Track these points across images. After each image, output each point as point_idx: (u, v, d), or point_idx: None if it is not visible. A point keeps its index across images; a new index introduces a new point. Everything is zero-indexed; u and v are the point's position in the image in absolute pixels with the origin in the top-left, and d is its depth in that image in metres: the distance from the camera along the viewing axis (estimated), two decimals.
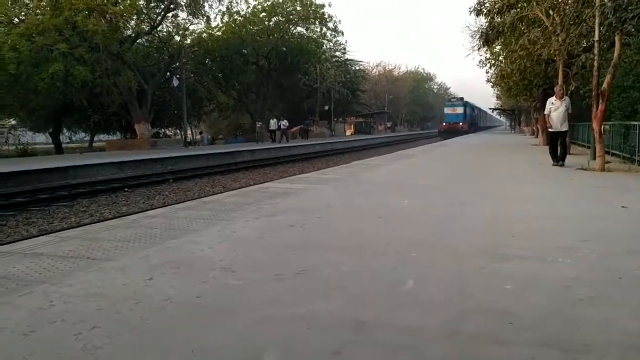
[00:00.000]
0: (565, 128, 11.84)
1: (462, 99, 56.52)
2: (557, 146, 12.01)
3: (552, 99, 11.93)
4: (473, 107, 62.84)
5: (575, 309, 2.70)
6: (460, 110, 54.67)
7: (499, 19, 17.88)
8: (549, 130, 12.20)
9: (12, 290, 3.10)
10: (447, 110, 56.13)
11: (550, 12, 15.35)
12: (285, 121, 37.04)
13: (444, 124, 55.51)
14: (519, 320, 2.55)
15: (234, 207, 6.25)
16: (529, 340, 2.32)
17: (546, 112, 12.11)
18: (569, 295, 2.92)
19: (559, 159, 11.92)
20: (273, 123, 36.86)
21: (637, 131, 12.01)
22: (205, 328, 2.51)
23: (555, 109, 11.70)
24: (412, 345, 2.30)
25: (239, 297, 2.94)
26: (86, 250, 4.07)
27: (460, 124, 52.95)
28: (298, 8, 42.72)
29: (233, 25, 38.93)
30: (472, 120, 60.25)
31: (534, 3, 15.68)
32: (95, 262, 3.73)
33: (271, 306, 2.79)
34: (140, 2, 28.52)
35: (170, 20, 31.87)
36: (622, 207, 6.01)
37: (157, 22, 30.66)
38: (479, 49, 20.75)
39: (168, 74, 33.45)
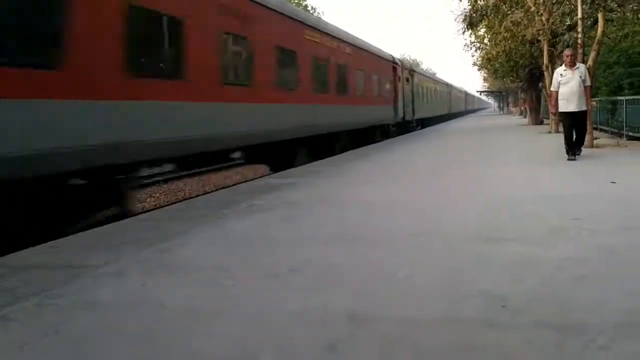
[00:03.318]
0: (583, 107, 8.73)
1: None
2: (573, 134, 8.80)
3: (561, 69, 9.00)
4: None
5: (569, 289, 2.71)
6: None
7: (482, 2, 17.94)
8: (561, 111, 8.95)
9: (2, 305, 3.06)
10: None
11: None
12: None
13: None
14: (514, 303, 2.55)
15: (225, 204, 6.21)
16: (525, 323, 2.32)
17: (553, 87, 9.03)
18: (563, 276, 2.92)
19: (574, 149, 8.78)
20: None
21: (624, 106, 12.08)
22: (200, 331, 2.49)
23: (566, 82, 8.75)
24: (408, 335, 2.29)
25: (232, 297, 2.92)
26: (79, 258, 4.03)
27: None
28: None
29: None
30: None
31: None
32: (88, 268, 3.69)
33: (265, 302, 2.77)
34: None
35: None
36: (612, 182, 6.04)
37: None
38: (463, 32, 20.82)
39: None
